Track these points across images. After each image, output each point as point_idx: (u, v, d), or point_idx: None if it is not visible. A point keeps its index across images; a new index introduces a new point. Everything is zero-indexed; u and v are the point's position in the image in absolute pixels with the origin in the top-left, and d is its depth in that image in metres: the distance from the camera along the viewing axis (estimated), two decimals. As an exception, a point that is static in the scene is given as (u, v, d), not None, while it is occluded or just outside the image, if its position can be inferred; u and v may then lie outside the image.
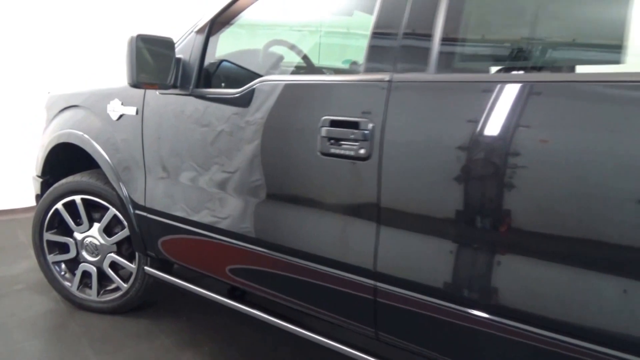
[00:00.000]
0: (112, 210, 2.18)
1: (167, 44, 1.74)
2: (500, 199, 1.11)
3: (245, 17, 1.81)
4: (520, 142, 1.07)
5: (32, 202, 2.59)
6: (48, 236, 2.36)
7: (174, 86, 1.79)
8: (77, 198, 2.25)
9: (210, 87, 1.84)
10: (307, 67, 2.38)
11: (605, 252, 1.00)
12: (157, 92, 1.88)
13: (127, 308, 2.32)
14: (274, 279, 1.62)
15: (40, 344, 2.08)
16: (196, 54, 1.79)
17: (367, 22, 1.42)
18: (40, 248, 2.39)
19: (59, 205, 2.29)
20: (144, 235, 2.03)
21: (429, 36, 1.26)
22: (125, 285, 2.26)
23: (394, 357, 1.41)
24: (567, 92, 1.03)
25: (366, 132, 1.30)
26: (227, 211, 1.69)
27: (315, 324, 1.60)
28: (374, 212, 1.32)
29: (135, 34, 1.63)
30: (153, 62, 1.69)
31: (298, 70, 2.34)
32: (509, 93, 1.10)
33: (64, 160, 2.48)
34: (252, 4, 1.73)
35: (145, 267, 2.10)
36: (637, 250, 0.95)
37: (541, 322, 1.08)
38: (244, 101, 1.60)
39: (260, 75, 1.64)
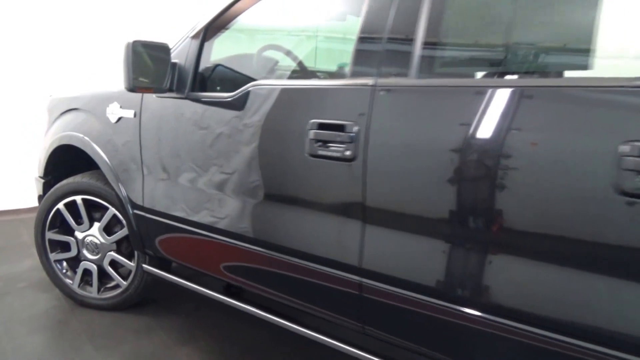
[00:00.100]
0: (112, 210, 2.25)
1: (162, 49, 1.81)
2: (478, 197, 1.18)
3: (238, 23, 1.87)
4: (496, 142, 1.13)
5: (35, 203, 2.65)
6: (50, 235, 2.43)
7: (170, 90, 1.85)
8: (78, 198, 2.32)
9: (205, 90, 1.90)
10: (300, 71, 2.44)
11: (573, 247, 1.05)
12: (154, 95, 1.94)
13: (126, 305, 2.39)
14: (265, 275, 1.68)
15: (42, 340, 2.15)
16: (191, 58, 1.85)
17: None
18: (43, 247, 2.46)
19: (60, 205, 2.36)
20: (142, 234, 2.10)
21: (410, 43, 1.32)
22: (124, 282, 2.33)
23: (389, 353, 1.47)
24: (549, 96, 1.09)
25: (352, 134, 1.36)
26: (221, 211, 1.75)
27: (309, 320, 1.66)
28: (360, 211, 1.38)
29: (131, 40, 1.68)
30: (149, 66, 1.75)
31: (291, 74, 2.40)
32: (485, 97, 1.16)
33: (65, 162, 2.54)
34: (244, 10, 1.79)
35: (144, 265, 2.17)
36: (623, 248, 1.00)
37: (516, 315, 1.14)
38: (237, 105, 1.66)
39: (254, 80, 1.70)
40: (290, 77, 2.37)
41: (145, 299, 2.47)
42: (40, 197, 2.60)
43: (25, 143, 3.94)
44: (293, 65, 2.43)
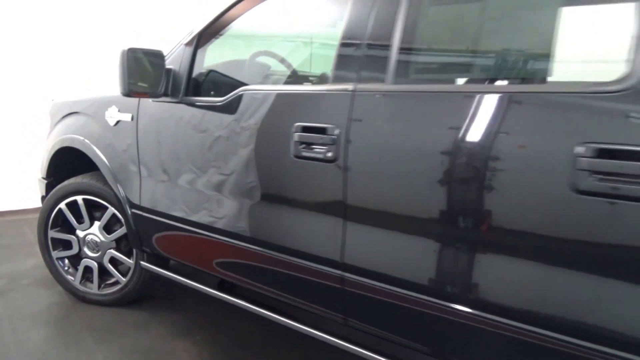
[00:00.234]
0: (111, 210, 2.34)
1: (157, 56, 1.89)
2: (448, 195, 1.26)
3: (230, 30, 1.96)
4: (464, 144, 1.21)
5: (39, 203, 2.73)
6: (52, 234, 2.53)
7: (165, 94, 1.94)
8: (79, 198, 2.41)
9: (200, 95, 1.98)
10: (291, 76, 2.53)
11: (535, 242, 1.14)
12: (150, 100, 2.03)
13: (126, 300, 2.48)
14: (254, 270, 1.77)
15: (45, 334, 2.24)
16: (185, 64, 1.94)
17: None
18: (45, 245, 2.56)
19: (62, 205, 2.45)
20: (140, 232, 2.19)
21: (387, 50, 1.40)
22: (124, 279, 2.42)
23: (379, 347, 1.54)
24: (514, 101, 1.17)
25: (333, 137, 1.45)
26: (212, 209, 1.84)
27: (299, 314, 1.74)
28: (341, 209, 1.47)
29: (126, 47, 1.77)
30: (144, 72, 1.84)
31: (280, 79, 2.49)
32: (453, 101, 1.26)
33: (67, 163, 2.63)
34: (235, 19, 1.88)
35: (142, 262, 2.26)
36: (579, 243, 1.08)
37: (484, 306, 1.23)
38: (227, 108, 1.75)
39: (246, 85, 1.79)
40: (279, 82, 2.45)
41: (144, 295, 2.56)
42: (43, 198, 2.69)
43: (25, 143, 3.99)
44: (284, 70, 2.52)
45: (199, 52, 1.96)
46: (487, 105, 1.19)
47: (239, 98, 1.72)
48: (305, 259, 1.58)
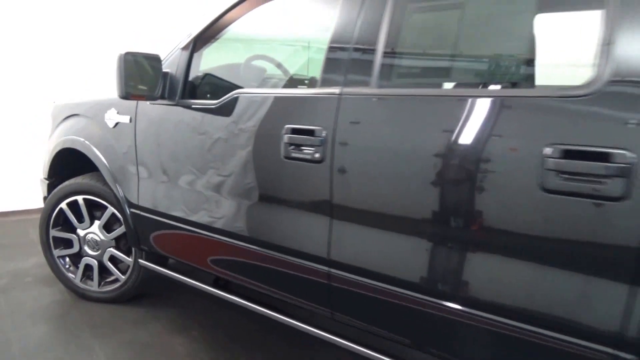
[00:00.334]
0: (111, 209, 2.40)
1: (154, 60, 1.96)
2: (430, 194, 1.32)
3: (225, 35, 2.02)
4: (444, 144, 1.28)
5: (42, 204, 2.79)
6: (54, 233, 2.59)
7: (162, 97, 2.00)
8: (80, 198, 2.48)
9: (196, 98, 2.05)
10: (284, 79, 2.59)
11: (504, 238, 1.19)
12: (148, 102, 2.10)
13: (125, 298, 2.55)
14: (246, 267, 1.83)
15: (46, 330, 2.31)
16: (182, 68, 2.00)
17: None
18: (47, 244, 2.63)
19: (63, 205, 2.52)
20: (138, 231, 2.25)
21: (372, 55, 1.46)
22: (123, 277, 2.49)
23: (371, 342, 1.59)
24: (489, 104, 1.23)
25: (321, 138, 1.51)
26: (208, 208, 1.90)
27: (290, 309, 1.80)
28: (328, 208, 1.53)
29: (123, 52, 1.84)
30: (142, 76, 1.91)
31: (274, 82, 2.56)
32: (432, 104, 1.32)
33: (68, 164, 2.70)
34: (230, 23, 1.95)
35: (140, 260, 2.32)
36: (547, 239, 1.14)
37: (461, 300, 1.29)
38: (221, 111, 1.81)
39: (242, 87, 1.85)
40: (274, 86, 2.52)
41: (142, 292, 2.62)
42: (45, 198, 2.76)
43: (25, 143, 4.04)
44: (279, 74, 2.59)
45: (195, 55, 2.02)
46: (462, 108, 1.25)
47: (233, 101, 1.78)
48: (294, 255, 1.64)
